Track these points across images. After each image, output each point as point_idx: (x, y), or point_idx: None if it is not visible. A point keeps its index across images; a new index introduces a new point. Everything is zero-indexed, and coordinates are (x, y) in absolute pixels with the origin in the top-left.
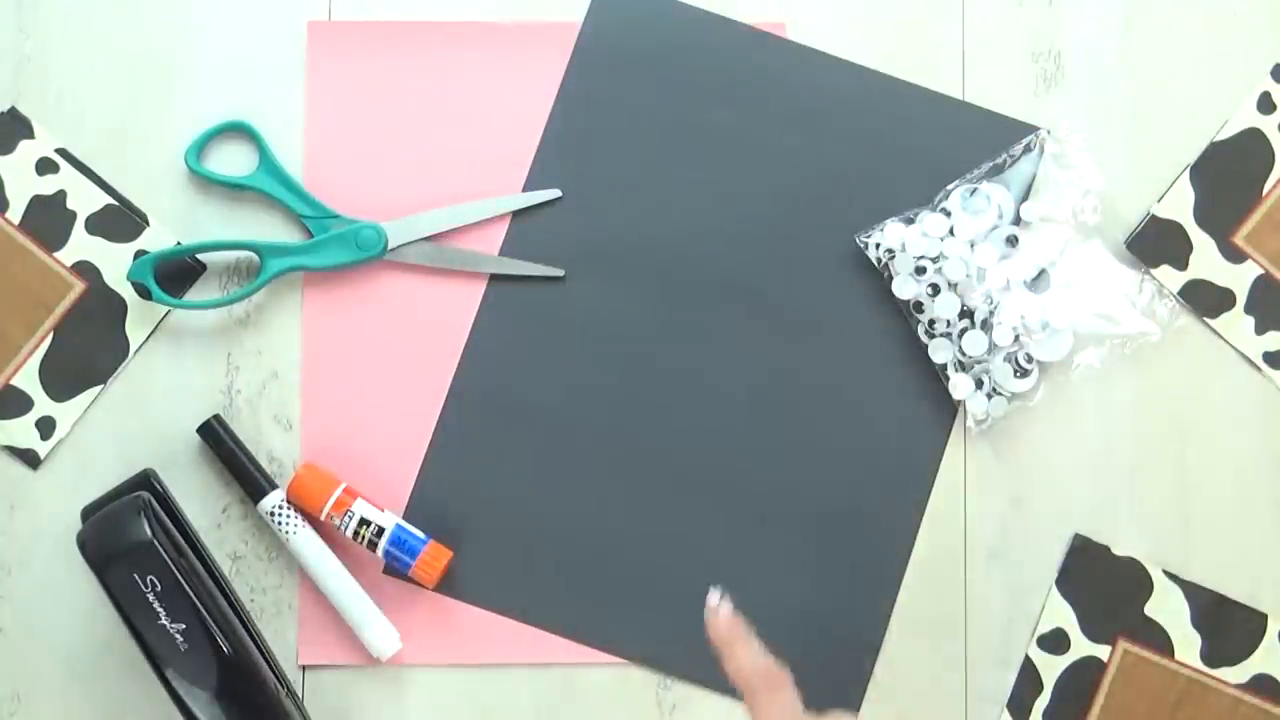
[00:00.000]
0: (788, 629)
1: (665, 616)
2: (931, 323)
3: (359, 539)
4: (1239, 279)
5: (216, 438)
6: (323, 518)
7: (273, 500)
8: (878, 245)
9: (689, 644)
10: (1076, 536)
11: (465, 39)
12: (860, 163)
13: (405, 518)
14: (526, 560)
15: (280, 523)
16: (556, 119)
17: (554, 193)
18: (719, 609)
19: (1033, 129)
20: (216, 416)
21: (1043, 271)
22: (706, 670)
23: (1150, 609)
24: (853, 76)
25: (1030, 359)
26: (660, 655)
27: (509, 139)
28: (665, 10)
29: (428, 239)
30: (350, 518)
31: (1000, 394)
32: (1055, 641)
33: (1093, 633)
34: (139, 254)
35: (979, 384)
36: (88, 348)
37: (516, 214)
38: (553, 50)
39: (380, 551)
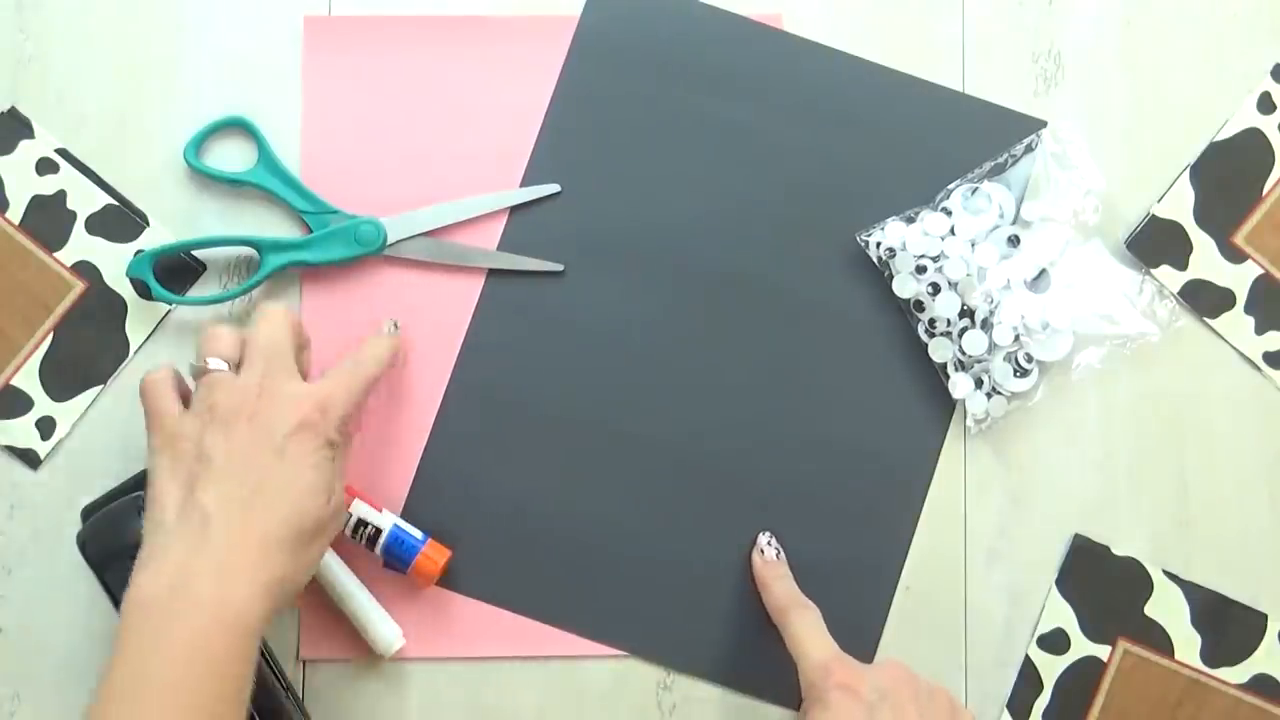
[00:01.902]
0: None
1: (665, 609)
2: (932, 322)
3: (358, 538)
4: (1239, 279)
5: None
6: None
7: None
8: (878, 244)
9: (689, 637)
10: (1076, 536)
11: (463, 33)
12: (861, 156)
13: (405, 512)
14: (527, 554)
15: None
16: (555, 113)
17: (553, 187)
18: (766, 550)
19: (1036, 122)
20: None
21: (1043, 271)
22: (706, 663)
23: (1150, 609)
24: (854, 69)
25: (1030, 359)
26: (660, 648)
27: (508, 133)
28: (663, 3)
29: (426, 234)
30: (348, 518)
31: (1000, 393)
32: (1055, 641)
33: (1093, 633)
34: (138, 253)
35: (979, 383)
36: (88, 348)
37: (516, 208)
38: (551, 44)
39: (379, 550)
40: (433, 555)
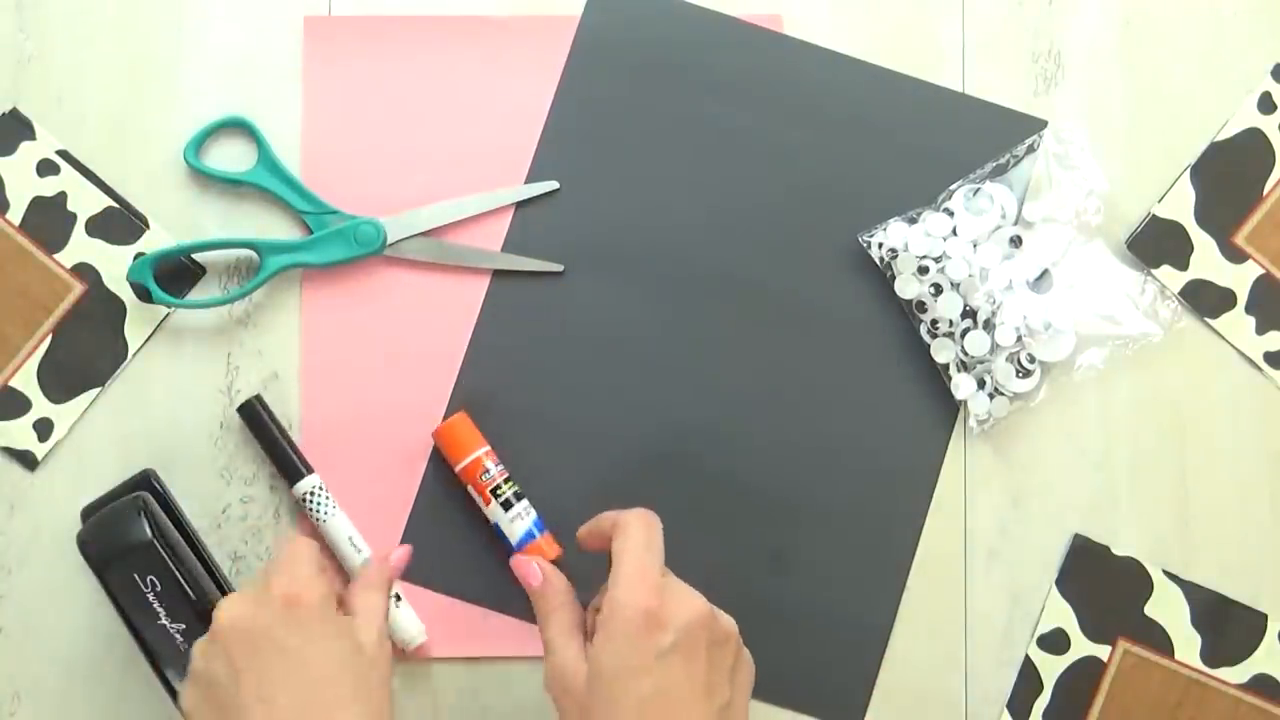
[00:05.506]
0: (793, 630)
1: None
2: (934, 322)
3: (497, 495)
4: (1240, 279)
5: (257, 419)
6: (467, 462)
7: (309, 483)
8: (880, 244)
9: None
10: (1076, 536)
11: (463, 33)
12: (862, 157)
13: (412, 515)
14: None
15: (316, 505)
16: (557, 114)
17: (551, 184)
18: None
19: (1036, 122)
20: (257, 396)
21: (1045, 272)
22: None
23: (1150, 609)
24: (853, 71)
25: (1032, 359)
26: None
27: (509, 133)
28: (663, 5)
29: (427, 234)
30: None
31: (1002, 394)
32: (1055, 641)
33: (1093, 633)
34: (138, 256)
35: (981, 384)
36: (86, 349)
37: (521, 209)
38: (551, 44)
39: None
40: (544, 547)
